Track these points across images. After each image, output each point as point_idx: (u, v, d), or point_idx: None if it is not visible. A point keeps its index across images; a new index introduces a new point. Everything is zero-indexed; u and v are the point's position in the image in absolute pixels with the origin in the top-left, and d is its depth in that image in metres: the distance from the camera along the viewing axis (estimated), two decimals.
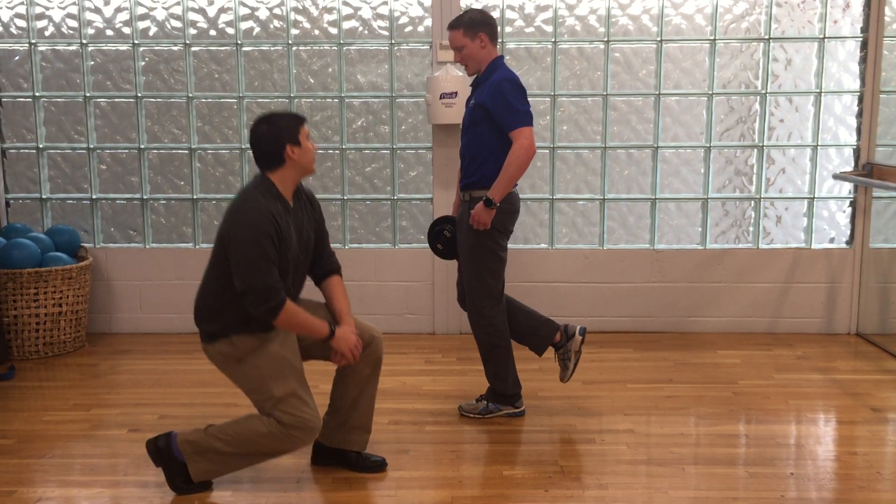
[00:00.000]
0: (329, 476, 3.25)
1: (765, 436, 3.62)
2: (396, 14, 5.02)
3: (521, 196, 3.82)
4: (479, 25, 3.64)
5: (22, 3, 5.06)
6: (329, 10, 5.03)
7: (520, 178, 3.61)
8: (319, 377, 3.55)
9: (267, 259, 2.88)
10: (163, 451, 3.08)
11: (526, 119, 3.56)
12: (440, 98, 4.70)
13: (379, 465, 3.29)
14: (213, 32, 5.07)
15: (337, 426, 3.28)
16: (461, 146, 3.76)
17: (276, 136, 2.99)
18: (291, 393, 2.98)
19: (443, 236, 3.87)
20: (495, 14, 4.94)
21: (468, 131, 3.70)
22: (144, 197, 5.22)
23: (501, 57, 3.74)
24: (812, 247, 5.13)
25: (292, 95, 5.09)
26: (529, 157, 3.56)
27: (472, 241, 3.68)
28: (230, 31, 5.06)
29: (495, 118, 3.57)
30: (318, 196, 5.10)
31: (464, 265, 3.77)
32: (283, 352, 3.02)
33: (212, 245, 3.08)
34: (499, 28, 4.93)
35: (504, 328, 3.76)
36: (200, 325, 3.07)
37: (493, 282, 3.71)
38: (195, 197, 5.19)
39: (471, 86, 3.81)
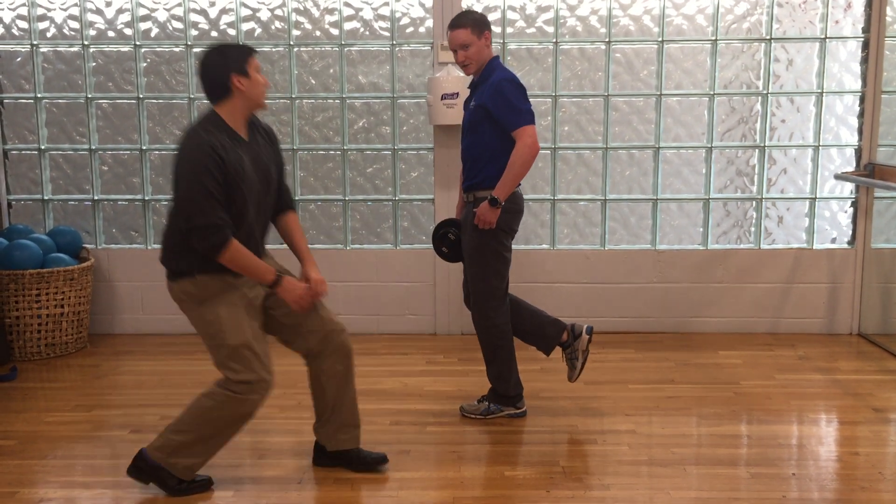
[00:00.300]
0: (330, 476, 3.25)
1: (766, 436, 3.61)
2: (398, 15, 5.02)
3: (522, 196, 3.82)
4: (483, 24, 3.65)
5: (24, 5, 5.07)
6: (330, 11, 5.04)
7: (524, 176, 3.61)
8: None
9: (208, 196, 2.82)
10: (143, 468, 3.07)
11: (528, 118, 3.56)
12: (441, 99, 4.70)
13: (379, 461, 3.28)
14: (214, 34, 5.07)
15: (325, 428, 3.28)
16: (462, 148, 3.75)
17: (222, 65, 2.91)
18: (244, 344, 2.94)
19: (447, 239, 3.86)
20: (496, 14, 4.95)
21: (469, 133, 3.69)
22: (146, 198, 5.22)
23: (497, 57, 3.74)
24: (814, 247, 5.13)
25: (294, 96, 5.09)
26: (533, 155, 3.56)
27: (477, 242, 3.67)
28: (231, 32, 5.06)
29: (496, 118, 3.57)
30: (319, 197, 5.17)
31: (468, 266, 3.76)
32: (244, 303, 3.00)
33: None
34: (500, 29, 4.96)
35: (507, 329, 3.75)
36: (165, 264, 3.05)
37: (496, 282, 3.70)
38: None
39: (469, 87, 3.81)
